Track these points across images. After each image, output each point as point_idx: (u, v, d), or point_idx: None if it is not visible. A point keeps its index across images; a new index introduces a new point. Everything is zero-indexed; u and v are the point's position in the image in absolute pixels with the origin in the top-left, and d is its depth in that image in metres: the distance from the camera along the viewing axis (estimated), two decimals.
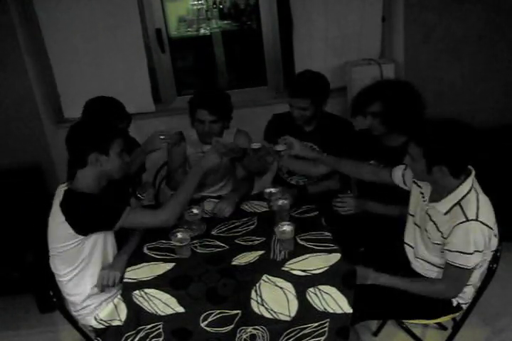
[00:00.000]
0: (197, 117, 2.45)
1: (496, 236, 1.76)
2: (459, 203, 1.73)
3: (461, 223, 1.69)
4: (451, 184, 1.76)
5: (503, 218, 1.97)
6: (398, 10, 3.19)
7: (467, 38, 3.20)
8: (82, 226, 1.79)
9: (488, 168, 2.84)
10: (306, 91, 2.42)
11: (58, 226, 1.81)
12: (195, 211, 2.17)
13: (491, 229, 1.70)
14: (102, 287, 1.89)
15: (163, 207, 1.92)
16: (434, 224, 1.82)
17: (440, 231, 1.79)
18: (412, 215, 1.98)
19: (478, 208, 1.69)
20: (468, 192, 1.74)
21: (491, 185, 1.85)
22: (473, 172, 1.78)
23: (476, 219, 1.67)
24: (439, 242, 1.80)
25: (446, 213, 1.77)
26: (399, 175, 2.07)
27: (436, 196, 1.83)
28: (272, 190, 2.33)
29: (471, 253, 1.69)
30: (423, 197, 1.92)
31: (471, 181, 1.76)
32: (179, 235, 1.98)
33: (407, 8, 3.11)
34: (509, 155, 3.03)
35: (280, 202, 2.16)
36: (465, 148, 1.70)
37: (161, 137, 2.36)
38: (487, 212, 1.72)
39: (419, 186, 1.96)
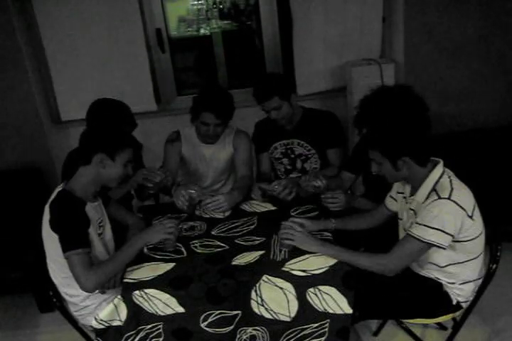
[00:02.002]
0: (201, 119, 2.44)
1: (471, 218, 1.74)
2: (434, 189, 1.77)
3: (433, 201, 1.72)
4: (421, 173, 1.81)
5: (502, 218, 1.98)
6: (398, 10, 3.19)
7: (467, 38, 3.20)
8: (58, 232, 1.80)
9: (488, 168, 2.86)
10: (269, 91, 2.44)
11: (45, 226, 1.83)
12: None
13: (464, 210, 1.71)
14: (103, 289, 1.88)
15: (94, 274, 1.77)
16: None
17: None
18: (401, 219, 2.00)
19: (451, 190, 1.73)
20: (440, 177, 1.78)
21: (491, 185, 1.85)
22: (442, 162, 1.83)
23: (449, 198, 1.70)
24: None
25: (424, 201, 1.79)
26: (390, 199, 2.09)
27: (414, 190, 1.87)
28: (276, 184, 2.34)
29: (432, 228, 1.70)
30: (405, 198, 1.95)
31: (441, 168, 1.81)
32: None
33: (407, 8, 3.11)
34: (509, 155, 3.03)
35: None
36: (415, 133, 1.75)
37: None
38: (462, 194, 1.74)
39: (401, 193, 1.99)
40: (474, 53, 3.24)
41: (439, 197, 1.72)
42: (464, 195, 1.76)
